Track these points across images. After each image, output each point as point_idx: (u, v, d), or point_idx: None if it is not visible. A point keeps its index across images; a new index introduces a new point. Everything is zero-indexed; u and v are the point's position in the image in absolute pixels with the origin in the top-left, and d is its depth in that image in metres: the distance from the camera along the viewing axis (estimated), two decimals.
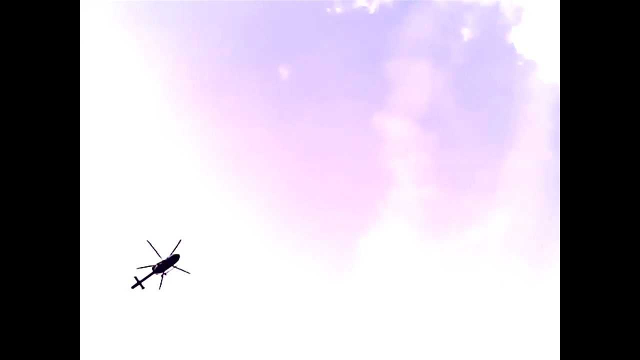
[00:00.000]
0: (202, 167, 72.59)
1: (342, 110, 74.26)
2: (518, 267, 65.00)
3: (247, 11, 71.23)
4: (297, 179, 73.97)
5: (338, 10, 70.88)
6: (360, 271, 67.03)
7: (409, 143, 70.65)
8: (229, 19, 72.25)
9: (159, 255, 55.71)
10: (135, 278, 56.85)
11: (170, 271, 56.38)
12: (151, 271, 56.48)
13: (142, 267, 56.13)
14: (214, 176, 71.68)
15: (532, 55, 66.95)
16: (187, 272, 56.66)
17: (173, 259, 56.18)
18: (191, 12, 71.92)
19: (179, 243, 55.60)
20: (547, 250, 65.15)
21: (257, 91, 74.41)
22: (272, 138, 74.07)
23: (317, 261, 69.30)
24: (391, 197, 68.96)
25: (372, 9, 70.51)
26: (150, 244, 55.11)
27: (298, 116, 74.59)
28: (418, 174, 69.61)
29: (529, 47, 66.56)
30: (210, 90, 74.66)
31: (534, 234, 65.74)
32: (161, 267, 56.16)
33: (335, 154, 74.30)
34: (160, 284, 56.73)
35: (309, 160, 75.08)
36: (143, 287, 56.99)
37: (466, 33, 69.57)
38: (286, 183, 72.97)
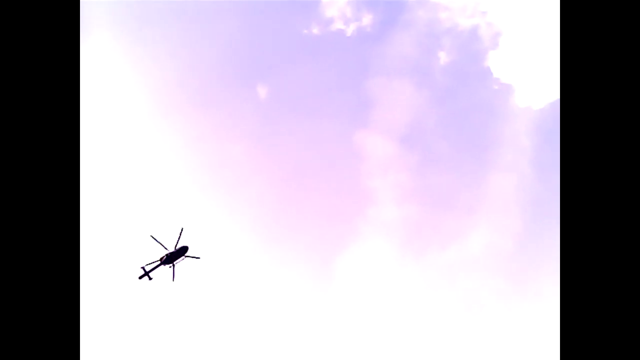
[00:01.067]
0: (179, 183, 71.57)
1: (321, 128, 74.64)
2: (496, 288, 65.54)
3: (222, 30, 71.23)
4: (277, 196, 73.69)
5: (315, 31, 71.60)
6: (339, 288, 66.84)
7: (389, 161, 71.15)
8: (204, 37, 72.23)
9: (165, 248, 56.35)
10: (143, 269, 57.32)
11: (180, 262, 56.90)
12: (159, 262, 57.05)
13: (150, 264, 56.62)
14: (194, 192, 70.85)
15: (508, 79, 68.49)
16: (197, 257, 57.22)
17: (182, 250, 56.93)
18: (165, 31, 71.64)
19: (181, 232, 55.99)
20: (526, 271, 65.92)
21: (235, 109, 74.28)
22: (252, 155, 73.74)
23: (296, 277, 68.90)
24: (371, 215, 69.20)
25: (350, 31, 71.33)
26: (155, 239, 55.78)
27: (278, 134, 74.62)
28: (398, 192, 70.00)
29: (505, 72, 68.12)
30: (187, 107, 74.22)
31: (513, 254, 66.49)
32: (169, 259, 56.85)
33: (315, 172, 74.28)
34: (173, 275, 57.22)
35: (289, 178, 74.94)
36: (151, 278, 57.50)
37: (443, 56, 70.99)
38: (266, 200, 72.57)
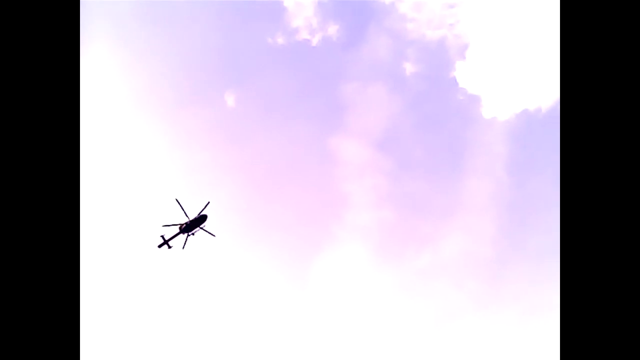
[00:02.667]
0: (147, 193, 69.86)
1: (291, 134, 74.33)
2: (472, 292, 66.20)
3: (184, 36, 70.24)
4: (253, 200, 72.72)
5: (280, 41, 71.25)
6: (314, 290, 66.34)
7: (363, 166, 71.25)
8: (167, 43, 71.05)
9: (187, 215, 55.87)
10: (162, 237, 56.74)
11: (197, 231, 56.76)
12: (178, 231, 56.70)
13: (168, 225, 55.94)
14: (169, 194, 68.74)
15: (475, 90, 69.79)
16: (212, 235, 57.14)
17: (201, 219, 56.61)
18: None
19: (206, 205, 55.96)
20: (501, 276, 66.90)
21: (203, 116, 72.95)
22: (227, 160, 72.64)
23: (271, 279, 68.07)
24: (347, 219, 69.12)
25: (315, 41, 71.38)
26: (179, 203, 55.09)
27: (251, 140, 73.70)
28: (374, 197, 70.16)
29: (471, 82, 69.39)
30: (156, 114, 72.79)
31: (488, 258, 67.33)
32: (188, 227, 56.57)
33: (289, 176, 73.65)
34: (185, 243, 56.85)
35: (264, 182, 74.16)
36: (170, 247, 57.05)
37: (409, 66, 71.63)
38: (242, 203, 71.54)
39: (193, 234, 56.59)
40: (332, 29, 72.02)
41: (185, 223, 56.16)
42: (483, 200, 68.68)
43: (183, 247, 56.82)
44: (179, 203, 54.99)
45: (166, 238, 56.76)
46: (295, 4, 70.12)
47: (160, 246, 56.82)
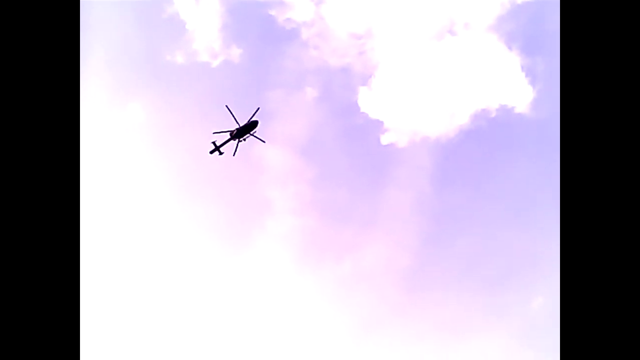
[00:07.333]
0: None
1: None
2: (391, 301, 66.25)
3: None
4: (171, 206, 69.69)
5: (179, 60, 69.65)
6: (230, 296, 65.82)
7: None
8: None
9: (237, 122, 55.98)
10: (214, 144, 57.16)
11: (248, 137, 57.15)
12: (229, 137, 56.91)
13: (219, 132, 56.73)
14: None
15: (375, 116, 68.35)
16: (263, 141, 57.47)
17: (251, 125, 56.67)
18: None
19: (257, 111, 56.13)
20: (422, 286, 67.30)
21: (110, 126, 69.34)
22: (140, 164, 69.32)
23: (189, 282, 66.39)
24: (268, 225, 68.13)
25: (215, 64, 69.60)
26: (229, 110, 55.32)
27: (166, 145, 70.37)
28: (297, 204, 69.15)
29: (373, 108, 68.11)
30: None
31: (409, 268, 67.26)
32: (239, 133, 56.67)
33: (210, 180, 72.46)
34: (235, 150, 57.42)
35: (182, 187, 71.00)
36: (221, 153, 57.55)
37: (310, 91, 69.52)
38: (160, 209, 69.11)
39: (244, 139, 56.78)
40: (235, 53, 70.83)
41: (236, 129, 56.09)
42: (410, 210, 67.86)
43: (234, 154, 57.20)
44: (229, 109, 54.79)
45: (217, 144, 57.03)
46: (198, 27, 69.24)
47: (212, 152, 57.19)
